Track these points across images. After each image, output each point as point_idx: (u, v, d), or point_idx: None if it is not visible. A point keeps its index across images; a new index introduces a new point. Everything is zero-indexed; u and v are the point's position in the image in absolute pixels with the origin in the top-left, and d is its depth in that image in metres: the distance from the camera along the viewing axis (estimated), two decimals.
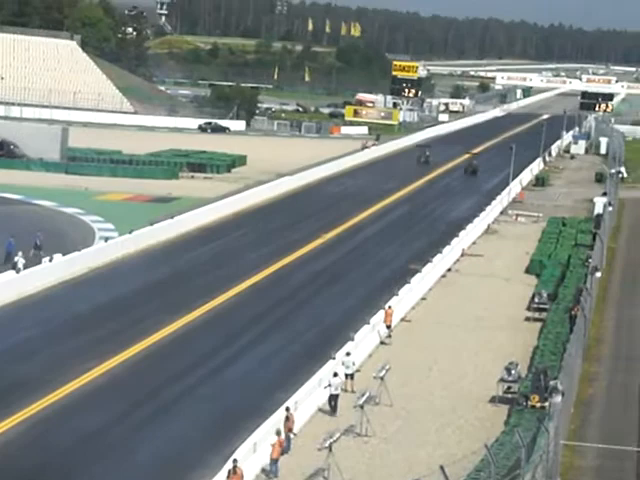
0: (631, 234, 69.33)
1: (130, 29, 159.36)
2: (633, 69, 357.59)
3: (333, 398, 33.21)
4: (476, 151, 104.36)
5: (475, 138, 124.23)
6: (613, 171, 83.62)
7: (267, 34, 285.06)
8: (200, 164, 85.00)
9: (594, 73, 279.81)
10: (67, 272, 47.15)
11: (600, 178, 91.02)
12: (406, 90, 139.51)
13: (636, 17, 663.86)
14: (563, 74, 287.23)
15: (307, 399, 32.97)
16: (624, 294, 52.03)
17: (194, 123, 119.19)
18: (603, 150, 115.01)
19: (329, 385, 33.34)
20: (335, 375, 33.57)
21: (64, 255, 48.20)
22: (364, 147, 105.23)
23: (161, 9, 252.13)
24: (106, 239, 53.13)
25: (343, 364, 35.41)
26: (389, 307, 42.20)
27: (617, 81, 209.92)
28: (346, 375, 35.26)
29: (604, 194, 71.73)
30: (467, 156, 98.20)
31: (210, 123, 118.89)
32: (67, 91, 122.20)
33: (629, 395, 36.68)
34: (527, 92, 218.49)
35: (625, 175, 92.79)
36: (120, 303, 43.78)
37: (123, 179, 76.46)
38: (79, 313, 41.84)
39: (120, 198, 69.55)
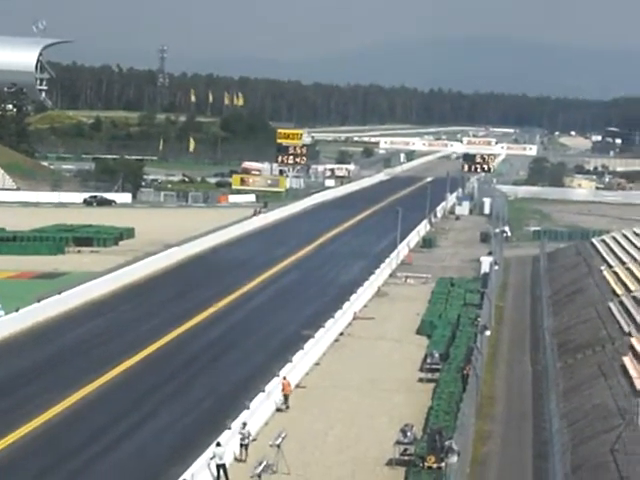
0: (517, 292, 70.60)
1: (10, 106, 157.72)
2: (512, 130, 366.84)
3: (221, 468, 33.05)
4: None
5: (362, 202, 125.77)
6: (497, 231, 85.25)
7: (150, 106, 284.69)
8: (87, 238, 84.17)
9: (474, 135, 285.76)
10: None
11: (485, 238, 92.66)
12: (291, 157, 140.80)
13: (512, 80, 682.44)
14: (444, 137, 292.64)
15: (203, 472, 32.64)
16: (513, 352, 52.85)
17: (79, 197, 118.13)
18: (487, 210, 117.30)
19: (214, 456, 33.14)
20: (218, 445, 33.38)
21: None
22: (255, 214, 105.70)
23: (41, 85, 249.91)
24: None
25: (241, 436, 35.17)
26: (284, 378, 42.04)
27: (497, 142, 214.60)
28: (241, 445, 35.10)
29: (490, 253, 73.02)
30: None
31: (95, 197, 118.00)
32: None
33: (523, 452, 37.15)
34: (410, 156, 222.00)
35: (509, 234, 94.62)
36: (7, 383, 42.83)
37: (7, 256, 75.14)
38: None
39: (4, 276, 68.29)
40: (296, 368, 45.05)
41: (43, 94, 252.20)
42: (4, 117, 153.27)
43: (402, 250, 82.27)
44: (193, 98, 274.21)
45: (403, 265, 78.65)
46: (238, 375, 45.60)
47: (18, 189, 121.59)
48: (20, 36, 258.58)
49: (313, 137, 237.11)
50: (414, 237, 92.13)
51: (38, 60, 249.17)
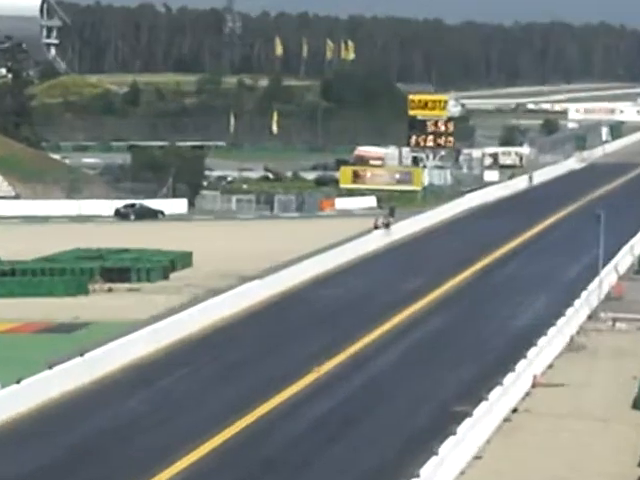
0: None
1: (3, 70, 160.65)
2: None
3: None
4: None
5: (542, 204, 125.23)
6: None
7: (214, 65, 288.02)
8: (121, 269, 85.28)
9: None
10: None
11: None
12: (431, 138, 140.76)
13: None
14: None
15: None
16: None
17: (109, 207, 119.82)
18: None
19: None
20: None
21: None
22: (376, 226, 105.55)
23: (49, 37, 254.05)
24: None
25: None
26: None
27: None
28: None
29: None
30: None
31: (133, 205, 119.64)
32: None
33: None
34: (617, 130, 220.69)
35: None
36: None
37: (3, 300, 76.49)
38: None
39: (0, 329, 69.52)
40: (445, 464, 44.88)
41: (53, 51, 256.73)
42: None
43: (607, 277, 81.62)
44: (279, 50, 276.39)
45: (609, 301, 78.09)
46: (355, 475, 45.55)
47: (17, 197, 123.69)
48: None
49: (464, 106, 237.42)
50: (625, 257, 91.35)
51: (44, 0, 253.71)
